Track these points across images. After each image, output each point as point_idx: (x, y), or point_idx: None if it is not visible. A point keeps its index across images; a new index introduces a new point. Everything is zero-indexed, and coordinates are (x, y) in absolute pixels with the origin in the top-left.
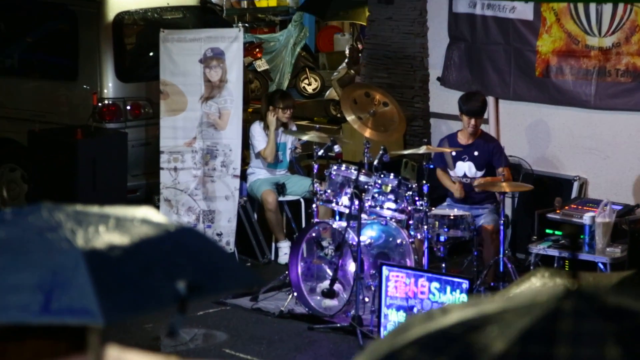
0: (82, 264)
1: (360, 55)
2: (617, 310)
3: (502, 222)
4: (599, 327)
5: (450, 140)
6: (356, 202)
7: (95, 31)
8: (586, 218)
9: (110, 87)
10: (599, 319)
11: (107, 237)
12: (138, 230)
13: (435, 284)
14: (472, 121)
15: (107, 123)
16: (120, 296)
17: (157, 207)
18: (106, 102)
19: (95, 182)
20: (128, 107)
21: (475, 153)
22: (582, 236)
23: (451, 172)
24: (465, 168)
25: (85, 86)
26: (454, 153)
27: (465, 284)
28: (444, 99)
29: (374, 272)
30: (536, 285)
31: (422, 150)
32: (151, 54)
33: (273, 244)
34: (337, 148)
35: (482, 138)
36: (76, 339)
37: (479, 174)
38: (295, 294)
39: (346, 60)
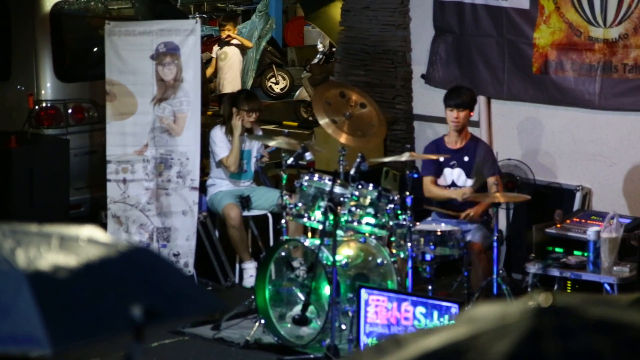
0: (25, 286)
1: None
2: (602, 323)
3: (495, 237)
4: (592, 344)
5: (437, 145)
6: (331, 217)
7: (30, 23)
8: (590, 233)
9: (48, 87)
10: (588, 334)
11: (51, 258)
12: (85, 250)
13: (420, 309)
14: (454, 113)
15: (46, 129)
16: (69, 322)
17: (104, 224)
18: (44, 104)
19: (32, 196)
20: (69, 111)
21: (466, 159)
22: (585, 254)
23: (438, 181)
24: (454, 176)
25: (19, 87)
26: (441, 159)
27: (454, 309)
28: (429, 99)
29: (351, 295)
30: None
31: (405, 157)
32: (95, 49)
33: (237, 265)
34: (308, 156)
35: (472, 141)
36: None
37: (469, 182)
38: (262, 321)
39: (312, 62)
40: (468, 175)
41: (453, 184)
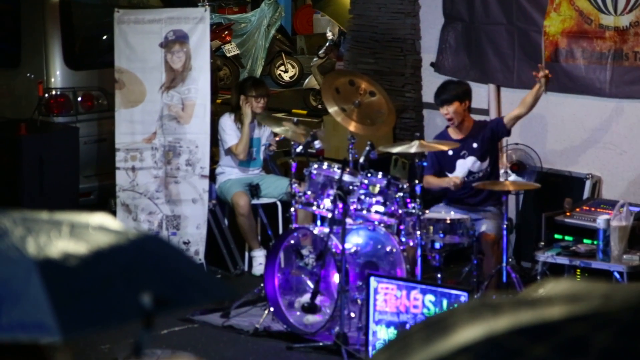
0: (35, 274)
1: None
2: None
3: (505, 226)
4: None
5: (443, 137)
6: (340, 205)
7: (40, 11)
8: (600, 221)
9: (58, 75)
10: None
11: (61, 246)
12: (96, 237)
13: (429, 297)
14: (444, 110)
15: (55, 117)
16: (79, 309)
17: (114, 212)
18: (54, 92)
19: (42, 184)
20: (79, 99)
21: (474, 145)
22: (594, 242)
23: (451, 175)
24: (468, 165)
25: (29, 74)
26: (450, 152)
27: (463, 297)
28: None
29: (360, 283)
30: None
31: (414, 148)
32: (104, 37)
33: (246, 253)
34: (317, 144)
35: (475, 128)
36: (29, 359)
37: (484, 165)
38: (271, 309)
39: (322, 50)
40: (481, 159)
41: (470, 173)
